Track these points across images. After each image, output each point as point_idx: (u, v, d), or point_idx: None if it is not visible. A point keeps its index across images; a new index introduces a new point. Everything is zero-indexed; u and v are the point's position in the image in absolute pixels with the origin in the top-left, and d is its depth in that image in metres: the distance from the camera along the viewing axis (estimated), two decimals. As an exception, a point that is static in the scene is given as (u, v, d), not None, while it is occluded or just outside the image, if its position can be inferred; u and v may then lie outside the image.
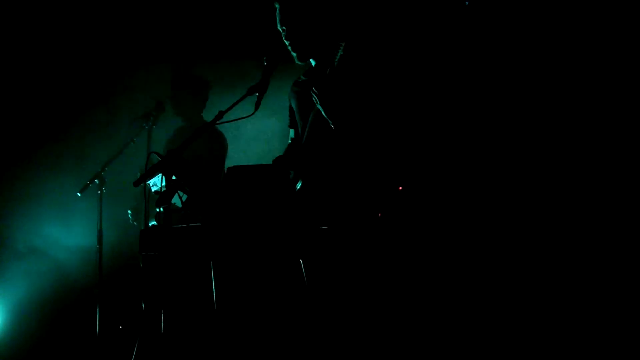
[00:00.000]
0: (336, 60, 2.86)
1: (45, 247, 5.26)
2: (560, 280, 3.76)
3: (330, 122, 2.80)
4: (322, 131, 2.87)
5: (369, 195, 2.78)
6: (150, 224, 4.01)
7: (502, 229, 3.97)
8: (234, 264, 2.81)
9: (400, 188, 2.89)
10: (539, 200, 3.91)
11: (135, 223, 4.48)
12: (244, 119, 2.85)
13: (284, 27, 3.01)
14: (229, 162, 4.45)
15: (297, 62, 3.07)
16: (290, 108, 3.24)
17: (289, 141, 3.28)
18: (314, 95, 2.81)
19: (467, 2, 4.05)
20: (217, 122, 2.78)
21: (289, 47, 3.02)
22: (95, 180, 4.40)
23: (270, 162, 2.93)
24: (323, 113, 2.81)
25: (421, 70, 4.18)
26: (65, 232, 5.24)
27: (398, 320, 3.01)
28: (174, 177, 2.83)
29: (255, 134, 5.16)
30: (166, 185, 2.82)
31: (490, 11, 4.08)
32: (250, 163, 3.91)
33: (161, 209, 3.01)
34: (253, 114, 2.80)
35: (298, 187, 2.84)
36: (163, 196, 2.83)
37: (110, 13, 5.35)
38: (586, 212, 3.77)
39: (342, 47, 2.87)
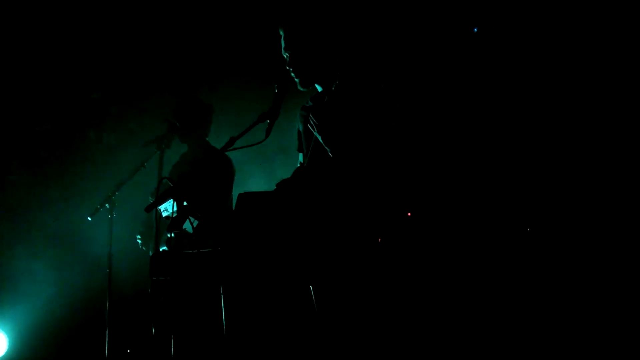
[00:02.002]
0: (334, 86, 2.89)
1: (55, 270, 5.28)
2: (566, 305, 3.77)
3: (328, 150, 2.83)
4: (322, 157, 2.90)
5: (369, 221, 2.78)
6: (161, 249, 4.02)
7: (503, 248, 3.98)
8: (244, 289, 2.82)
9: (410, 214, 2.90)
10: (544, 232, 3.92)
11: (144, 248, 4.48)
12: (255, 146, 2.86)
13: (287, 54, 3.05)
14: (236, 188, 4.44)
15: (299, 88, 3.10)
16: (299, 132, 3.27)
17: (298, 165, 3.30)
18: (312, 123, 2.84)
19: (475, 29, 4.09)
20: (228, 148, 2.79)
21: (292, 74, 3.05)
22: (106, 205, 4.40)
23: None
24: (321, 141, 2.84)
25: (420, 96, 4.22)
26: (76, 256, 5.27)
27: (408, 346, 3.01)
28: (185, 203, 2.86)
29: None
30: (177, 211, 2.84)
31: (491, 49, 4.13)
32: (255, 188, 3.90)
33: (172, 235, 3.03)
34: (264, 140, 2.82)
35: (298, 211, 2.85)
36: (174, 222, 2.86)
37: (122, 37, 5.43)
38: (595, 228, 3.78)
39: (338, 76, 2.90)
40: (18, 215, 5.42)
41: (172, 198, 2.88)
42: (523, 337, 3.79)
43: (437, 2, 4.35)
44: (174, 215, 2.88)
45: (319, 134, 2.83)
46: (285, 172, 3.29)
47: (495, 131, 4.17)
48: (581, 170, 3.93)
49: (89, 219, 4.40)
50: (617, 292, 3.67)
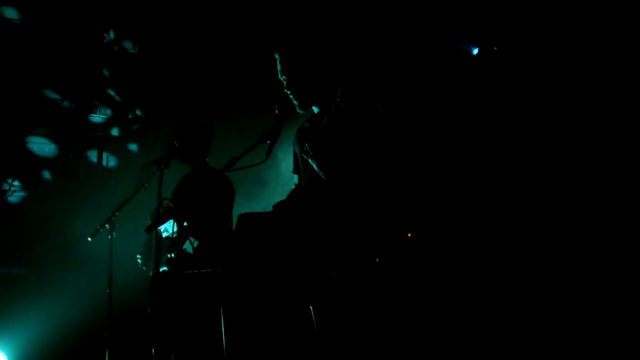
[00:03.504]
0: (332, 109, 2.91)
1: (55, 290, 5.28)
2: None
3: (322, 175, 2.85)
4: (319, 180, 2.91)
5: (367, 242, 2.79)
6: (161, 270, 4.01)
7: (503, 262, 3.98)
8: (244, 310, 2.82)
9: (410, 235, 2.91)
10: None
11: (144, 268, 4.48)
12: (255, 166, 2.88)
13: (284, 77, 3.06)
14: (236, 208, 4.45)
15: (298, 110, 3.11)
16: (295, 154, 3.28)
17: (293, 186, 3.31)
18: (306, 149, 2.86)
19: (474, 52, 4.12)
20: (229, 169, 2.82)
21: (290, 96, 3.07)
22: (106, 225, 4.40)
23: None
24: (316, 168, 2.86)
25: (417, 116, 4.25)
26: (76, 276, 5.27)
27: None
28: (185, 224, 2.87)
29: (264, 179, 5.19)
30: (177, 232, 2.86)
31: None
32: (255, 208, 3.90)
33: (172, 255, 3.04)
34: (264, 161, 2.83)
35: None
36: (174, 242, 2.87)
37: (124, 58, 5.48)
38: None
39: (338, 94, 2.92)
40: (18, 236, 5.42)
41: (172, 219, 2.90)
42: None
43: (433, 23, 4.39)
44: (174, 236, 2.89)
45: (314, 161, 2.86)
46: (283, 194, 3.31)
47: (494, 151, 4.19)
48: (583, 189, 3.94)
49: (89, 239, 4.40)
50: (617, 293, 3.67)
